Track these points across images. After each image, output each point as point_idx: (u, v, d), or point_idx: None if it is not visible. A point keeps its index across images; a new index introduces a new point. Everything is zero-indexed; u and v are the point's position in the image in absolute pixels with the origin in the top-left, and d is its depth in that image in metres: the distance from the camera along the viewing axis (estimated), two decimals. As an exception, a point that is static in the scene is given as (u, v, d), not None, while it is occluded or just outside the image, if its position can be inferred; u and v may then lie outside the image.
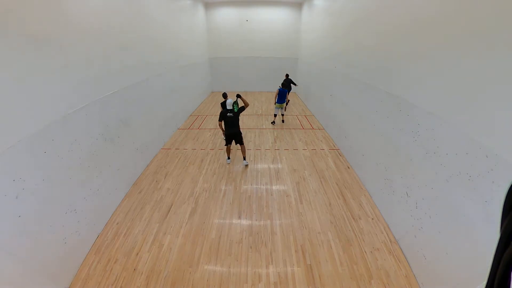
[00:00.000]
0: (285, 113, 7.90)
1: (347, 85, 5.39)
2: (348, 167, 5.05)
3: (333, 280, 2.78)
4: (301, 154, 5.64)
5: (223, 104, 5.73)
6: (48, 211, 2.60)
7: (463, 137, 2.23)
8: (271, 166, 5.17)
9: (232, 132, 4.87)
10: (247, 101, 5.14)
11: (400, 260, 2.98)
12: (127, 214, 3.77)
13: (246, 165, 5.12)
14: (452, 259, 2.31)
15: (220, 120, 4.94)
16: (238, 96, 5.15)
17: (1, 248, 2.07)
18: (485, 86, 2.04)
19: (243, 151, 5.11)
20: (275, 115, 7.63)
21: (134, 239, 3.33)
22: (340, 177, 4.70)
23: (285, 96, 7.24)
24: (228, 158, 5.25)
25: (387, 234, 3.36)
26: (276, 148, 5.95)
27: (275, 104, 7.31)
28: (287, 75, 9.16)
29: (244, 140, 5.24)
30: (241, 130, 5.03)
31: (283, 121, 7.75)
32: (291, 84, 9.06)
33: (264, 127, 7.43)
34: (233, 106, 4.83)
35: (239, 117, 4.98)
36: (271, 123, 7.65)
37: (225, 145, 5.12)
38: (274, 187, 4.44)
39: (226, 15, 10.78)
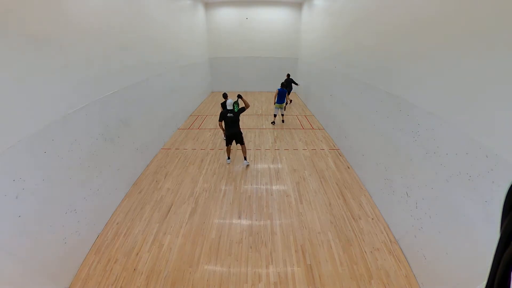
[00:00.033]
0: (285, 113, 7.90)
1: (347, 85, 5.38)
2: (348, 167, 5.05)
3: (333, 280, 2.78)
4: (301, 154, 5.64)
5: (223, 105, 5.72)
6: (48, 211, 2.60)
7: (463, 137, 2.23)
8: (271, 166, 5.17)
9: (232, 132, 4.87)
10: (248, 102, 5.14)
11: (400, 260, 2.98)
12: (127, 214, 3.77)
13: (247, 165, 5.12)
14: (452, 259, 2.31)
15: (220, 120, 4.94)
16: (239, 96, 5.15)
17: (1, 248, 2.07)
18: (485, 86, 2.04)
19: (244, 151, 5.11)
20: (275, 115, 7.63)
21: (134, 239, 3.33)
22: (340, 177, 4.70)
23: (285, 96, 7.25)
24: (228, 158, 5.25)
25: (387, 234, 3.36)
26: (276, 148, 5.95)
27: (274, 104, 7.33)
28: (288, 75, 9.16)
29: (244, 140, 5.23)
30: (241, 130, 5.02)
31: (283, 121, 7.76)
32: (293, 84, 9.07)
33: (264, 127, 7.43)
34: (233, 106, 4.82)
35: (239, 118, 4.98)
36: (271, 123, 7.65)
37: (226, 145, 5.12)
38: (274, 187, 4.44)
39: (226, 15, 10.78)
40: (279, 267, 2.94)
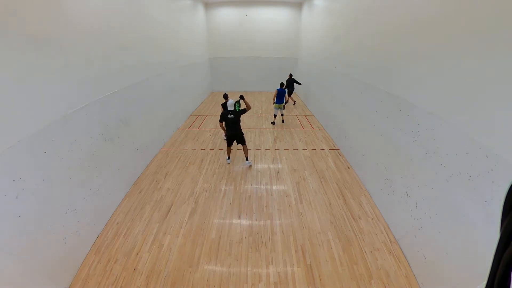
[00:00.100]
0: (285, 113, 7.90)
1: (347, 85, 5.39)
2: (348, 167, 5.05)
3: (333, 280, 2.78)
4: (301, 154, 5.64)
5: (224, 105, 5.71)
6: (48, 211, 2.60)
7: (463, 137, 2.23)
8: (271, 166, 5.17)
9: (233, 133, 4.87)
10: (249, 104, 5.12)
11: (400, 260, 2.98)
12: (127, 214, 3.77)
13: (250, 166, 5.11)
14: (452, 259, 2.31)
15: (221, 121, 4.93)
16: (242, 97, 5.12)
17: (1, 248, 2.07)
18: (485, 86, 2.04)
19: (245, 152, 5.10)
20: (274, 116, 7.63)
21: (134, 239, 3.33)
22: (340, 177, 4.70)
23: (283, 96, 7.25)
24: (228, 158, 5.24)
25: (387, 234, 3.36)
26: (276, 148, 5.95)
27: (273, 104, 7.33)
28: (290, 75, 9.18)
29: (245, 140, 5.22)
30: (242, 130, 5.01)
31: (283, 121, 7.76)
32: (295, 84, 9.06)
33: (264, 127, 7.43)
34: (235, 106, 4.81)
35: (240, 118, 4.96)
36: (271, 123, 7.65)
37: (227, 145, 5.11)
38: (274, 187, 4.44)
39: (226, 15, 10.78)
40: (279, 267, 2.94)
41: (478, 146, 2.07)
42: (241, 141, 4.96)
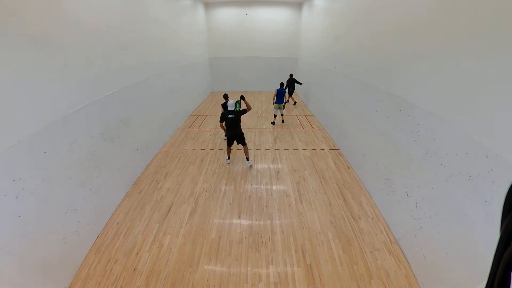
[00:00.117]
0: (285, 113, 7.90)
1: (347, 85, 5.39)
2: (348, 167, 5.05)
3: (333, 280, 2.78)
4: (301, 154, 5.64)
5: (224, 105, 5.71)
6: (48, 211, 2.60)
7: (463, 137, 2.23)
8: (271, 166, 5.17)
9: (233, 133, 4.87)
10: (250, 104, 5.11)
11: (400, 260, 2.98)
12: (127, 214, 3.77)
13: (250, 166, 5.11)
14: (452, 259, 2.31)
15: (221, 121, 4.93)
16: (242, 98, 5.11)
17: (1, 248, 2.07)
18: (485, 86, 2.04)
19: (246, 152, 5.09)
20: (274, 116, 7.64)
21: (134, 239, 3.33)
22: (340, 177, 4.70)
23: (283, 96, 7.26)
24: (228, 158, 5.24)
25: (387, 234, 3.36)
26: (276, 148, 5.95)
27: (273, 104, 7.33)
28: (291, 75, 9.18)
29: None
30: (242, 131, 5.01)
31: (283, 121, 7.76)
32: (296, 84, 9.07)
33: (264, 127, 7.44)
34: (235, 105, 4.80)
35: (241, 119, 4.96)
36: (271, 123, 7.65)
37: (227, 146, 5.11)
38: (274, 187, 4.44)
39: (226, 15, 10.78)
40: (279, 267, 2.94)
41: (478, 146, 2.07)
42: (242, 141, 4.96)
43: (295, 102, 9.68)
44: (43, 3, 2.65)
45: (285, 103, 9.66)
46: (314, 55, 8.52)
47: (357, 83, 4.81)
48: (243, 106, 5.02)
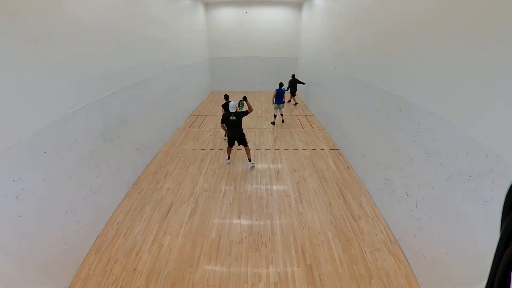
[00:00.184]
0: (285, 113, 7.90)
1: (347, 85, 5.38)
2: (348, 167, 5.05)
3: (333, 280, 2.78)
4: (301, 154, 5.64)
5: (225, 106, 5.70)
6: (48, 211, 2.60)
7: (463, 137, 2.23)
8: (271, 166, 5.17)
9: (235, 134, 4.87)
10: (252, 106, 5.09)
11: (400, 260, 2.98)
12: (127, 214, 3.77)
13: (252, 167, 5.10)
14: (452, 259, 2.31)
15: (222, 122, 4.93)
16: (245, 98, 5.10)
17: (1, 248, 2.07)
18: (485, 86, 2.04)
19: (248, 153, 5.08)
20: (274, 116, 7.64)
21: (134, 239, 3.33)
22: (340, 177, 4.70)
23: (282, 96, 7.26)
24: (228, 158, 5.24)
25: (387, 234, 3.36)
26: (276, 148, 5.95)
27: (273, 104, 7.34)
28: (293, 76, 9.19)
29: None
30: (243, 132, 5.00)
31: (283, 121, 7.76)
32: (298, 84, 9.07)
33: (264, 127, 7.44)
34: (238, 105, 4.80)
35: (242, 120, 4.95)
36: (271, 123, 7.65)
37: (228, 146, 5.10)
38: (274, 187, 4.44)
39: (226, 15, 10.78)
40: (279, 267, 2.94)
41: (478, 146, 2.07)
42: (243, 142, 4.96)
43: (296, 103, 9.67)
44: (43, 3, 2.65)
45: (289, 102, 9.67)
46: (314, 55, 8.51)
47: (357, 83, 4.81)
48: (245, 108, 5.02)
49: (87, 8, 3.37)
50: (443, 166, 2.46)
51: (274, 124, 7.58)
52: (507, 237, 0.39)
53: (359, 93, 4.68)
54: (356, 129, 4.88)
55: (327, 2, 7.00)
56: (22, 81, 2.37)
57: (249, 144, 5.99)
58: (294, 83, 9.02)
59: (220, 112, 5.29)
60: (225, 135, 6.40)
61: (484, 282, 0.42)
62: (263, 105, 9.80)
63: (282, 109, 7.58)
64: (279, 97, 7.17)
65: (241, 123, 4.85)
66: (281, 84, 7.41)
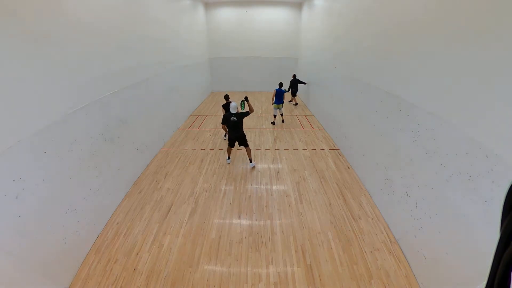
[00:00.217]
0: (285, 113, 7.90)
1: (347, 85, 5.38)
2: (348, 167, 5.05)
3: (333, 280, 2.78)
4: (301, 154, 5.64)
5: (225, 106, 5.70)
6: (48, 211, 2.60)
7: (463, 137, 2.23)
8: (271, 166, 5.17)
9: (236, 135, 4.87)
10: (252, 106, 5.10)
11: (400, 260, 2.98)
12: (127, 214, 3.77)
13: (253, 167, 5.08)
14: (452, 259, 2.31)
15: (223, 123, 4.93)
16: (246, 99, 5.10)
17: (1, 248, 2.07)
18: (485, 86, 2.04)
19: (249, 153, 5.08)
20: (274, 116, 7.64)
21: (134, 239, 3.33)
22: (340, 177, 4.70)
23: (282, 96, 7.26)
24: (228, 158, 5.24)
25: (387, 234, 3.36)
26: (276, 148, 5.95)
27: (272, 104, 7.34)
28: (294, 76, 9.20)
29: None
30: (244, 132, 5.00)
31: (283, 121, 7.76)
32: (299, 84, 9.07)
33: (264, 127, 7.43)
34: (240, 105, 4.80)
35: (243, 121, 4.95)
36: (271, 123, 7.65)
37: (229, 146, 5.10)
38: (274, 187, 4.44)
39: (226, 15, 10.77)
40: (279, 267, 2.94)
41: (478, 146, 2.07)
42: (244, 143, 4.96)
43: (296, 103, 9.67)
44: (43, 3, 2.65)
45: (290, 102, 9.66)
46: (314, 55, 8.51)
47: (357, 83, 4.81)
48: (246, 108, 5.02)
49: (87, 8, 3.37)
50: (443, 166, 2.46)
51: (274, 124, 7.58)
52: (507, 237, 0.39)
53: (359, 93, 4.68)
54: (356, 129, 4.88)
55: (327, 2, 7.00)
56: (22, 81, 2.37)
57: (249, 144, 6.00)
58: (295, 83, 9.03)
59: (220, 112, 5.29)
60: (225, 135, 6.40)
61: (484, 282, 0.42)
62: (263, 105, 9.80)
63: (282, 109, 7.59)
64: (278, 97, 7.18)
65: (242, 124, 4.85)
66: (280, 84, 7.41)
